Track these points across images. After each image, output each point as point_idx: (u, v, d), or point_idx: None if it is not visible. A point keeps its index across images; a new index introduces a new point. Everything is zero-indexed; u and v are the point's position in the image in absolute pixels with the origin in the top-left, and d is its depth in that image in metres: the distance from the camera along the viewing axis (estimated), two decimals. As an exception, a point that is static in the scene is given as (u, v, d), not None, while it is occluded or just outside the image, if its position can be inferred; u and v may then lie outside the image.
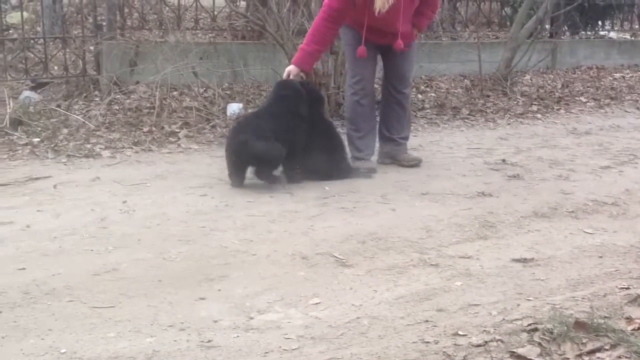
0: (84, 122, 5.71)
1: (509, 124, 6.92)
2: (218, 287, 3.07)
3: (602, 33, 11.14)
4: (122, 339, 2.60)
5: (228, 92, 6.75)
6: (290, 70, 4.83)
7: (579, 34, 10.80)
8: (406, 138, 5.40)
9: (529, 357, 2.43)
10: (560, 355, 2.47)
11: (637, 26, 11.58)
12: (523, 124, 6.95)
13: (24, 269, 3.18)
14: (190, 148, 5.50)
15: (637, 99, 8.36)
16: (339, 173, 4.82)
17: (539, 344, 2.52)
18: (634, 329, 2.63)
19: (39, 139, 5.35)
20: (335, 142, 4.92)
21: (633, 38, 11.15)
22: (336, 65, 6.57)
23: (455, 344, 2.58)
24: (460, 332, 2.67)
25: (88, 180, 4.58)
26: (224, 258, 3.39)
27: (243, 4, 8.20)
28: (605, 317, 2.75)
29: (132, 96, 6.43)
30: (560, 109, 7.62)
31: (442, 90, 7.96)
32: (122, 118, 5.97)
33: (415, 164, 5.19)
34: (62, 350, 2.50)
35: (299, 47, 5.01)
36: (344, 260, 3.40)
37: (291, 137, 4.59)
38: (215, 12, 7.62)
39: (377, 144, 5.34)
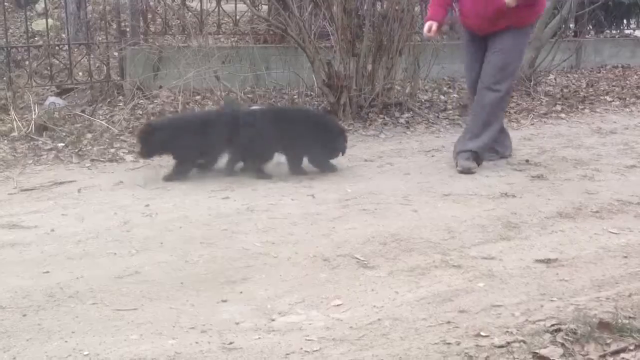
0: (107, 127, 5.76)
1: (532, 124, 6.87)
2: (240, 290, 3.08)
3: (627, 32, 11.03)
4: (145, 341, 2.62)
5: (250, 95, 6.77)
6: (430, 25, 5.00)
7: (603, 33, 10.69)
8: (470, 151, 5.09)
9: (551, 358, 2.41)
10: (584, 355, 2.44)
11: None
12: (547, 124, 6.89)
13: (48, 272, 3.22)
14: (213, 151, 5.52)
15: (664, 97, 8.26)
16: None
17: (562, 344, 2.50)
18: (659, 330, 2.60)
19: (63, 144, 5.41)
20: None
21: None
22: (357, 67, 6.57)
23: (477, 345, 2.56)
24: (482, 333, 2.65)
25: (111, 185, 4.62)
26: (245, 260, 3.40)
27: (265, 7, 8.23)
28: (630, 317, 2.72)
29: (155, 101, 6.48)
30: (584, 108, 7.55)
31: (465, 91, 7.90)
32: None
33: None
34: (85, 353, 2.53)
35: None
36: (365, 262, 3.39)
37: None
38: (238, 17, 7.65)
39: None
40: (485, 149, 5.15)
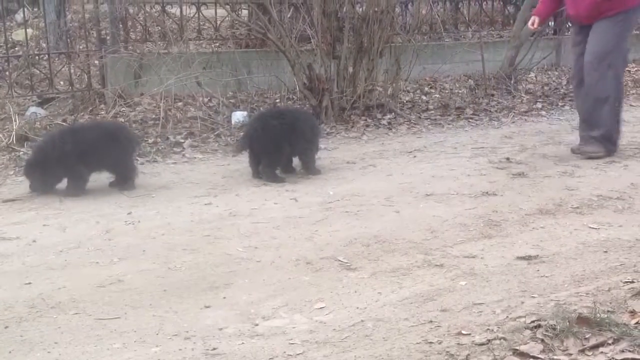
0: (89, 136, 5.73)
1: (513, 122, 6.93)
2: (223, 295, 3.09)
3: (606, 28, 11.06)
4: (128, 349, 2.62)
5: (232, 100, 6.78)
6: (534, 19, 5.65)
7: (583, 30, 10.74)
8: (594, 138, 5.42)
9: (531, 354, 2.43)
10: (563, 351, 2.46)
11: (641, 20, 11.53)
12: (527, 121, 6.95)
13: (30, 283, 3.21)
14: (195, 157, 5.53)
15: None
16: None
17: (542, 340, 2.52)
18: (637, 323, 2.62)
19: (45, 154, 5.38)
20: None
21: (637, 32, 11.08)
22: (338, 70, 6.59)
23: (458, 344, 2.58)
24: (463, 332, 2.67)
25: (94, 193, 4.61)
26: (228, 266, 3.40)
27: (245, 12, 8.24)
28: (609, 311, 2.74)
29: (137, 108, 6.48)
30: (565, 105, 7.62)
31: (446, 91, 7.97)
32: (127, 130, 5.99)
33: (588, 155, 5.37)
34: (68, 363, 2.53)
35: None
36: (348, 264, 3.41)
37: None
38: (218, 22, 7.66)
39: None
40: (606, 128, 5.42)
